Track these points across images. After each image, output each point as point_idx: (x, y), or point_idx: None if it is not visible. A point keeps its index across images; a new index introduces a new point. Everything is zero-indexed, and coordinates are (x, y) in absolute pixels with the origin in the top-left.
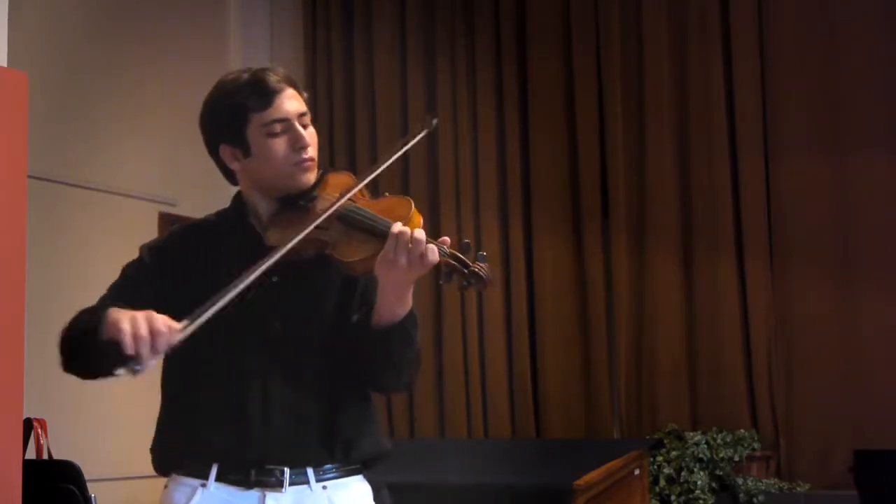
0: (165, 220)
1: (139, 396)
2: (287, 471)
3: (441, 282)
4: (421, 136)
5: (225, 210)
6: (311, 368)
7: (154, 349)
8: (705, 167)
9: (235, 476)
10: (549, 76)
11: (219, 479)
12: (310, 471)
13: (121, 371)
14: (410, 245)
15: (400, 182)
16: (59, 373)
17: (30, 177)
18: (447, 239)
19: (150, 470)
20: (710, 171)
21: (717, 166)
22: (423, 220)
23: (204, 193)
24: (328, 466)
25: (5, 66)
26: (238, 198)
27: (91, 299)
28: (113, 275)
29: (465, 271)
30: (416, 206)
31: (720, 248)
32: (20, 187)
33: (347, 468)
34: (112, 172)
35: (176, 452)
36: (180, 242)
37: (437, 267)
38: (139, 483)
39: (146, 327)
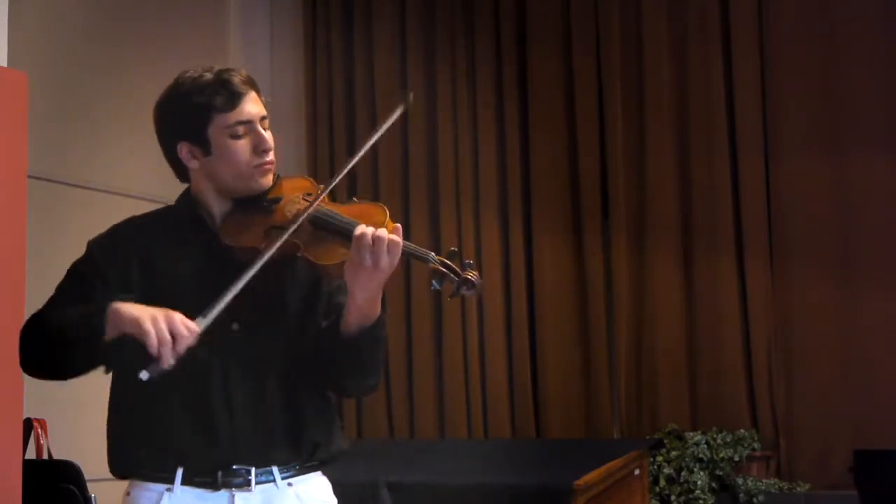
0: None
1: None
2: (254, 470)
3: (433, 288)
4: (398, 113)
5: (172, 207)
6: (274, 370)
7: (175, 352)
8: (705, 167)
9: (202, 478)
10: (549, 76)
11: (184, 482)
12: (275, 469)
13: (145, 375)
14: (373, 246)
15: (400, 182)
16: None
17: (30, 177)
18: (398, 226)
19: None
20: (710, 171)
21: (717, 166)
22: (423, 221)
23: None
24: (291, 464)
25: (5, 66)
26: (187, 195)
27: None
28: None
29: (456, 278)
30: (391, 214)
31: (720, 248)
32: (20, 187)
33: (309, 465)
34: (112, 172)
35: (136, 456)
36: (129, 237)
37: (429, 274)
38: None
39: (168, 329)
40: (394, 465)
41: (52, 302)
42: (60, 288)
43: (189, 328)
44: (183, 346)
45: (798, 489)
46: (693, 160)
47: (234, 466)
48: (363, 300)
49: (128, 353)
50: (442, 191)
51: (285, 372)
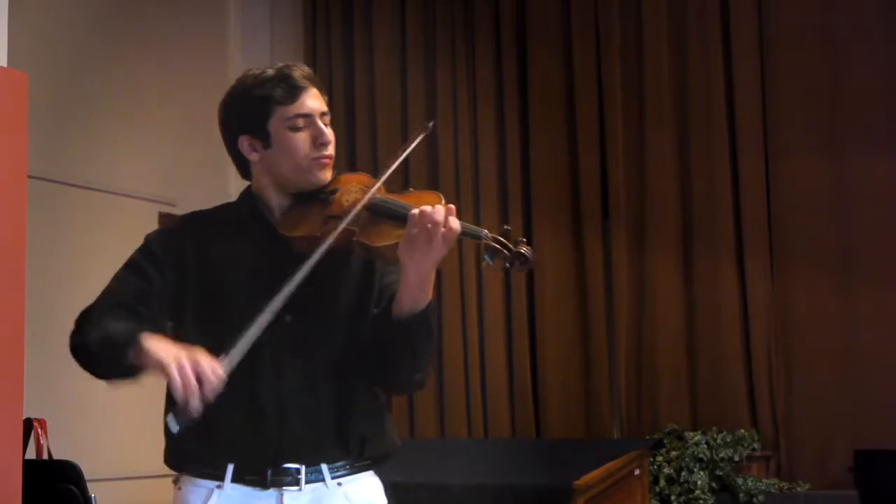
0: (165, 220)
1: (139, 397)
2: (304, 469)
3: (484, 263)
4: (420, 138)
5: (233, 203)
6: (325, 363)
7: (204, 398)
8: (705, 167)
9: (252, 476)
10: (549, 76)
11: (234, 479)
12: (324, 468)
13: (174, 426)
14: (428, 224)
15: (399, 182)
16: (59, 373)
17: (30, 177)
18: (452, 207)
19: (150, 470)
20: (710, 171)
21: (717, 166)
22: None
23: (203, 193)
24: (341, 463)
25: (5, 66)
26: (248, 192)
27: (91, 299)
28: (112, 274)
29: (508, 253)
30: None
31: (720, 248)
32: (20, 187)
33: (359, 464)
34: (112, 172)
35: (188, 452)
36: (190, 231)
37: (482, 249)
38: (139, 483)
39: (194, 376)
40: (394, 465)
41: (107, 293)
42: (116, 278)
43: (216, 373)
44: (210, 392)
45: (798, 489)
46: (693, 160)
47: (284, 465)
48: (416, 280)
49: None
50: (442, 191)
51: (336, 366)
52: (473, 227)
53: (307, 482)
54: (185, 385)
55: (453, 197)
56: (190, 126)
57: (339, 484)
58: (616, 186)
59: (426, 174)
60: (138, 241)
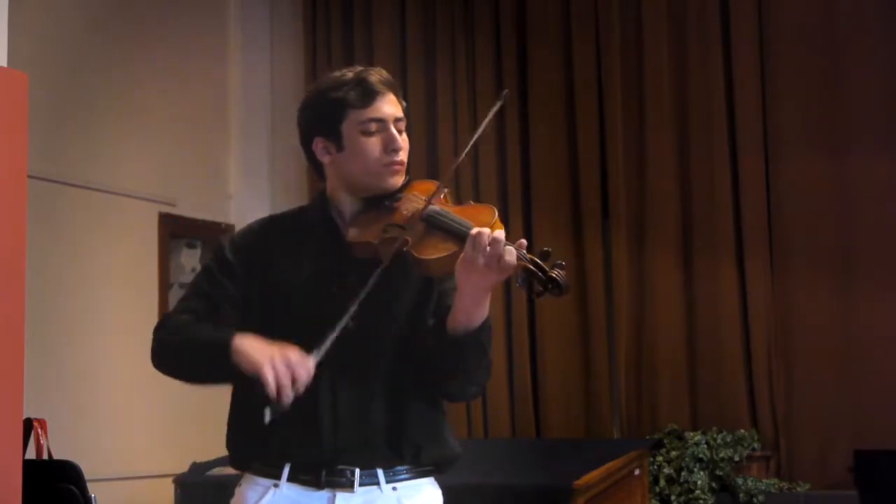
0: (165, 220)
1: (139, 397)
2: (358, 471)
3: (518, 284)
4: (496, 108)
5: (308, 206)
6: (382, 370)
7: (296, 392)
8: (705, 167)
9: (306, 476)
10: (549, 76)
11: (290, 479)
12: (380, 472)
13: (268, 415)
14: (489, 248)
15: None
16: (59, 373)
17: (30, 177)
18: (524, 241)
19: (150, 470)
20: (710, 171)
21: (717, 166)
22: None
23: (203, 193)
24: (398, 468)
25: (5, 66)
26: (322, 195)
27: (91, 299)
28: (112, 274)
29: (543, 276)
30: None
31: (720, 248)
32: (20, 187)
33: (418, 470)
34: (112, 172)
35: (249, 451)
36: (261, 238)
37: (515, 271)
38: (139, 483)
39: (287, 373)
40: None
41: (185, 300)
42: (194, 284)
43: (307, 368)
44: (301, 386)
45: (798, 489)
46: (693, 160)
47: (339, 466)
48: (471, 300)
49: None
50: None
51: (393, 372)
52: (526, 255)
53: (361, 485)
54: (279, 383)
55: (453, 197)
56: (190, 126)
57: (395, 489)
58: (616, 186)
59: (426, 174)
60: (138, 241)
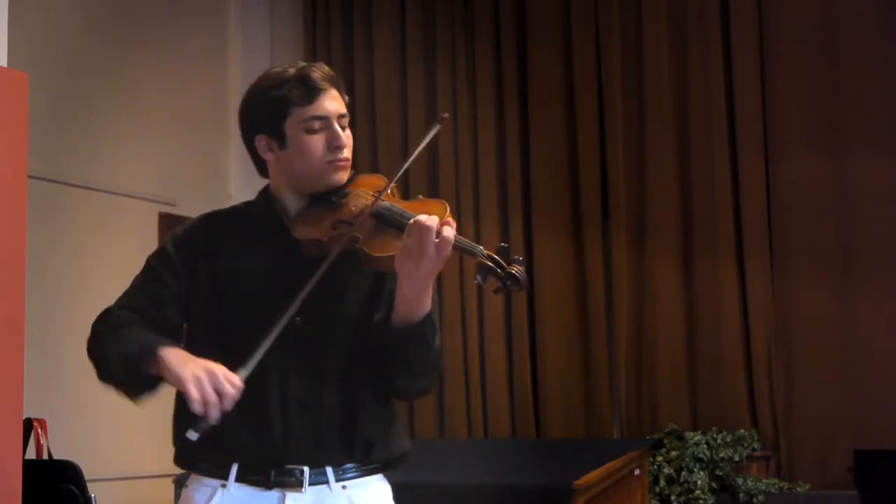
0: (165, 220)
1: None
2: (307, 470)
3: (477, 282)
4: (435, 131)
5: (251, 202)
6: (332, 367)
7: (222, 410)
8: (705, 167)
9: (255, 476)
10: (549, 76)
11: (238, 479)
12: (329, 470)
13: (193, 435)
14: (422, 233)
15: (400, 182)
16: (59, 373)
17: (30, 177)
18: (451, 221)
19: (150, 470)
20: (710, 171)
21: (717, 166)
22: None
23: (203, 193)
24: (347, 466)
25: (5, 66)
26: (266, 191)
27: (91, 299)
28: (112, 274)
29: (502, 273)
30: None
31: (720, 247)
32: (20, 187)
33: (367, 468)
34: (112, 172)
35: (196, 452)
36: (205, 233)
37: (475, 267)
38: (139, 483)
39: (213, 391)
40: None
41: (123, 298)
42: (134, 282)
43: (233, 384)
44: (229, 403)
45: (798, 489)
46: (693, 160)
47: (287, 466)
48: (410, 291)
49: None
50: (442, 191)
51: (343, 369)
52: (469, 243)
53: (310, 484)
54: (205, 401)
55: (453, 197)
56: (190, 126)
57: (344, 487)
58: (616, 186)
59: (426, 174)
60: (138, 241)
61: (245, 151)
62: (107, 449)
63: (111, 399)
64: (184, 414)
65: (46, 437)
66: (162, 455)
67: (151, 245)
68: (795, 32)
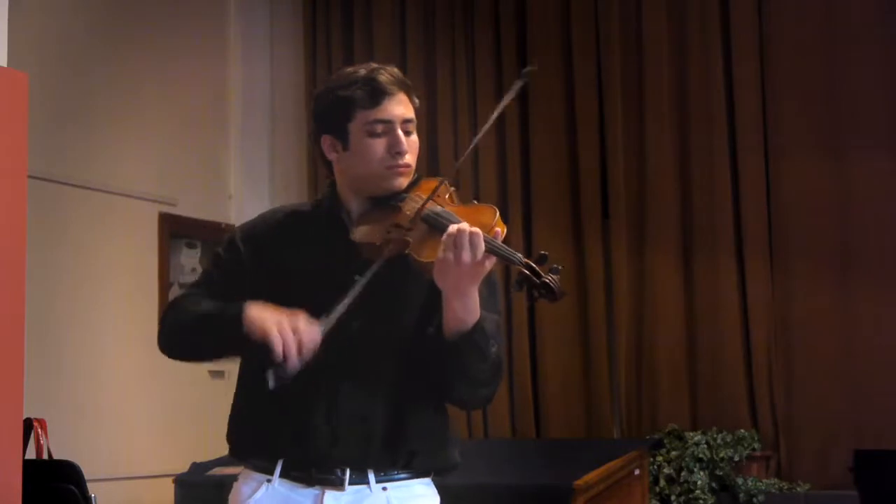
0: (165, 220)
1: (139, 397)
2: (348, 471)
3: (512, 290)
4: (517, 87)
5: (321, 200)
6: (384, 372)
7: (302, 356)
8: (705, 167)
9: (297, 473)
10: (549, 76)
11: (282, 475)
12: (371, 473)
13: (271, 378)
14: (455, 239)
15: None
16: (59, 373)
17: (30, 177)
18: (498, 231)
19: (150, 470)
20: (710, 171)
21: (717, 166)
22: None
23: (203, 193)
24: (389, 472)
25: (5, 66)
26: (332, 191)
27: (91, 299)
28: (112, 274)
29: (537, 281)
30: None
31: (720, 247)
32: (20, 187)
33: (411, 472)
34: (112, 172)
35: (246, 445)
36: (272, 228)
37: (511, 275)
38: (139, 483)
39: (294, 339)
40: None
41: (196, 285)
42: (205, 272)
43: (313, 337)
44: (308, 352)
45: (798, 489)
46: (693, 160)
47: (329, 464)
48: (455, 301)
49: (259, 350)
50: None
51: (396, 376)
52: (507, 251)
53: (350, 483)
54: (286, 344)
55: (458, 196)
56: (190, 126)
57: (384, 488)
58: (616, 186)
59: (425, 174)
60: (138, 241)
61: (245, 151)
62: (107, 449)
63: (111, 399)
64: (242, 409)
65: (46, 436)
66: (162, 455)
67: (152, 245)
68: (796, 32)
